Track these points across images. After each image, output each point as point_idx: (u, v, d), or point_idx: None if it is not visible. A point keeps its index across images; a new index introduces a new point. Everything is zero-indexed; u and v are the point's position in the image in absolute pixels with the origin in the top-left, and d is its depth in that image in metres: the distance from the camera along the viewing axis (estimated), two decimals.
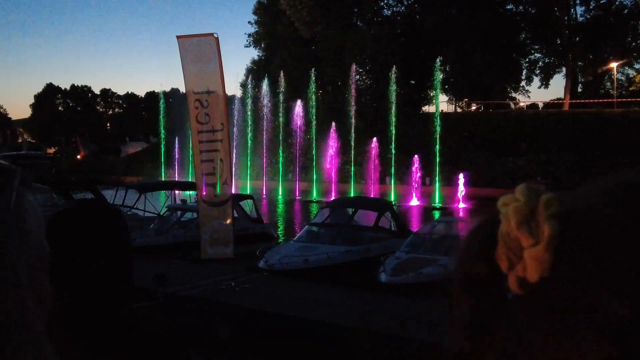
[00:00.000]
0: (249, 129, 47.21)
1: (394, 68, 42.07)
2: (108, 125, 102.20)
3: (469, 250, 0.51)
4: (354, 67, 43.95)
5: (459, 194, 32.56)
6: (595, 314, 0.42)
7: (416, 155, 36.69)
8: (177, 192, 24.73)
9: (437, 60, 42.04)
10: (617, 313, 0.41)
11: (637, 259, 0.41)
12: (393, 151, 39.38)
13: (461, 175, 32.94)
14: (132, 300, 1.48)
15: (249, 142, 46.73)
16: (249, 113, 47.78)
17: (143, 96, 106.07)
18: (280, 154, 45.07)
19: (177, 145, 48.33)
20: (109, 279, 1.41)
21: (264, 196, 39.59)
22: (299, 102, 45.32)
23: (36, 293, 0.58)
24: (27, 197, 0.61)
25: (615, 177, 0.48)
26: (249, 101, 48.71)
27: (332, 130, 42.11)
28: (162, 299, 9.63)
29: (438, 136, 38.67)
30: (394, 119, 41.05)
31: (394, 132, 40.25)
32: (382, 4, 56.08)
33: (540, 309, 0.45)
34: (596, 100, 48.97)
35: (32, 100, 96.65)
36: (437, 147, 38.43)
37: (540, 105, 61.08)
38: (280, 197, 40.26)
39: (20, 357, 0.53)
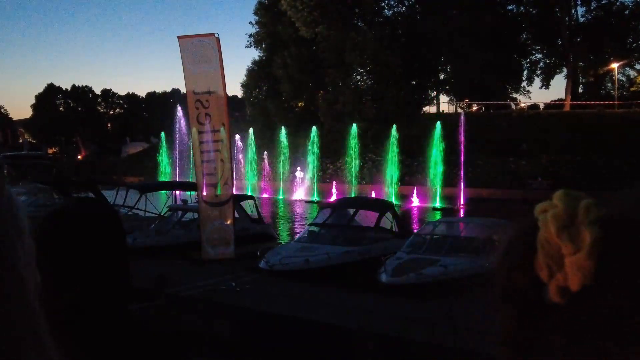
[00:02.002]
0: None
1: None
2: (109, 125, 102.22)
3: (509, 260, 0.49)
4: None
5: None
6: None
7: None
8: (177, 192, 24.71)
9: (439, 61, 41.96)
10: None
11: None
12: (396, 151, 39.36)
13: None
14: (130, 301, 1.47)
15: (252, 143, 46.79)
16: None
17: (144, 96, 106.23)
18: (282, 155, 45.12)
19: (177, 146, 48.30)
20: (104, 279, 1.40)
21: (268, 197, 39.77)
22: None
23: (34, 285, 0.58)
24: (14, 192, 0.62)
25: None
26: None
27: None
28: (163, 300, 9.62)
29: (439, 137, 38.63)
30: (394, 119, 41.04)
31: (395, 133, 40.22)
32: (382, 4, 56.07)
33: (584, 317, 0.43)
34: (597, 102, 48.94)
35: (33, 101, 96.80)
36: (438, 149, 38.40)
37: (541, 105, 61.10)
38: (280, 197, 40.39)
39: (26, 355, 0.54)
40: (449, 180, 37.17)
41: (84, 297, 1.35)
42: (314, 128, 42.90)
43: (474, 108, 56.42)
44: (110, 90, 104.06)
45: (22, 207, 0.60)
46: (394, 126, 39.66)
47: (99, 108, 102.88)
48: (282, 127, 45.94)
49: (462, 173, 36.46)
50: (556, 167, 38.67)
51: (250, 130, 45.84)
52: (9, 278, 0.54)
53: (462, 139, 37.31)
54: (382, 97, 46.32)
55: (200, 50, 12.40)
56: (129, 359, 1.41)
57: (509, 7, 56.53)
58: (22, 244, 0.57)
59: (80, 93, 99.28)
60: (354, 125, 42.73)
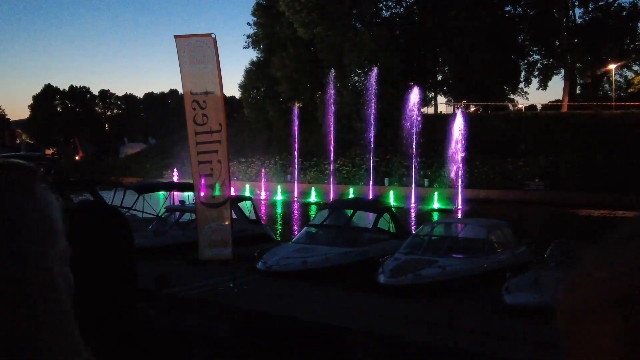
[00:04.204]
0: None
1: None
2: (107, 126, 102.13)
3: None
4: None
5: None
6: None
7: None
8: (175, 193, 24.64)
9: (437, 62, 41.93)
10: None
11: None
12: (394, 152, 39.39)
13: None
14: (136, 303, 1.47)
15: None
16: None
17: (141, 97, 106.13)
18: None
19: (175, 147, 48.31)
20: (113, 282, 1.40)
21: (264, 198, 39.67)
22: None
23: (67, 287, 0.60)
24: (51, 194, 0.62)
25: None
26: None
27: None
28: (163, 300, 9.62)
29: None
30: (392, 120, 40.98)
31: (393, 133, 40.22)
32: (380, 5, 56.12)
33: None
34: (595, 103, 48.97)
35: (30, 101, 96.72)
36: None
37: (539, 106, 61.13)
38: (280, 198, 40.31)
39: (57, 356, 0.55)
40: (448, 181, 37.16)
41: (94, 298, 1.35)
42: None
43: (472, 109, 56.49)
44: (108, 90, 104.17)
45: (57, 209, 0.61)
46: (392, 127, 39.64)
47: (97, 109, 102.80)
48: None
49: (460, 174, 36.46)
50: (554, 167, 38.69)
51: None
52: (40, 281, 0.55)
53: (460, 140, 37.34)
54: (380, 98, 46.32)
55: (197, 50, 12.36)
56: (130, 358, 1.40)
57: (507, 8, 56.57)
58: (56, 246, 0.58)
59: (78, 94, 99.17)
60: (353, 126, 42.69)
